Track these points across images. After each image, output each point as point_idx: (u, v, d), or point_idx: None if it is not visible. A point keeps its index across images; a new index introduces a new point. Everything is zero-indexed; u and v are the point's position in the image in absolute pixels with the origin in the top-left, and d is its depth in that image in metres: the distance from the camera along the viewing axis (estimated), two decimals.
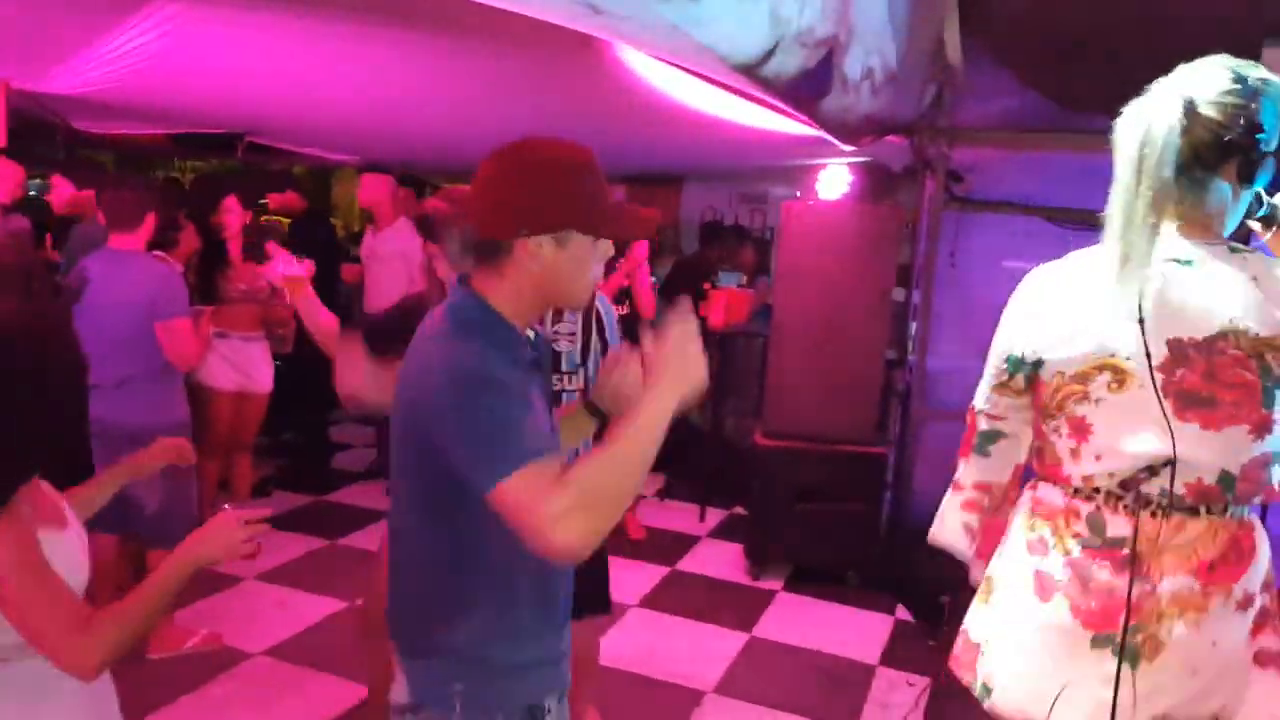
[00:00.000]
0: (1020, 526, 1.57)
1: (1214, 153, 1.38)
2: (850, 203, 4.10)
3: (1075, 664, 1.45)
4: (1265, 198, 1.51)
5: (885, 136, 3.42)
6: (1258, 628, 1.45)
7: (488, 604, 1.36)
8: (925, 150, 3.61)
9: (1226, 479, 1.39)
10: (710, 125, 3.59)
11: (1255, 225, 1.54)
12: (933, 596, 3.89)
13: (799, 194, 5.09)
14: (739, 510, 5.00)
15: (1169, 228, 1.41)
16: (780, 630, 3.74)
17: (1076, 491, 1.48)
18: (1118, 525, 1.43)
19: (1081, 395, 1.45)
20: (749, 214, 6.66)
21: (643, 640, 3.57)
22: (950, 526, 1.76)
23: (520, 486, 1.17)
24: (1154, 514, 1.41)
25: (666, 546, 4.57)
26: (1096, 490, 1.45)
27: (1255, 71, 1.39)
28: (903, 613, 3.96)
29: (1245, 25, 2.99)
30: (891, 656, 3.58)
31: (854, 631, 3.77)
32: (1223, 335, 1.35)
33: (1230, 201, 1.43)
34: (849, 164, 4.18)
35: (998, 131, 3.63)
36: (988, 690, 1.55)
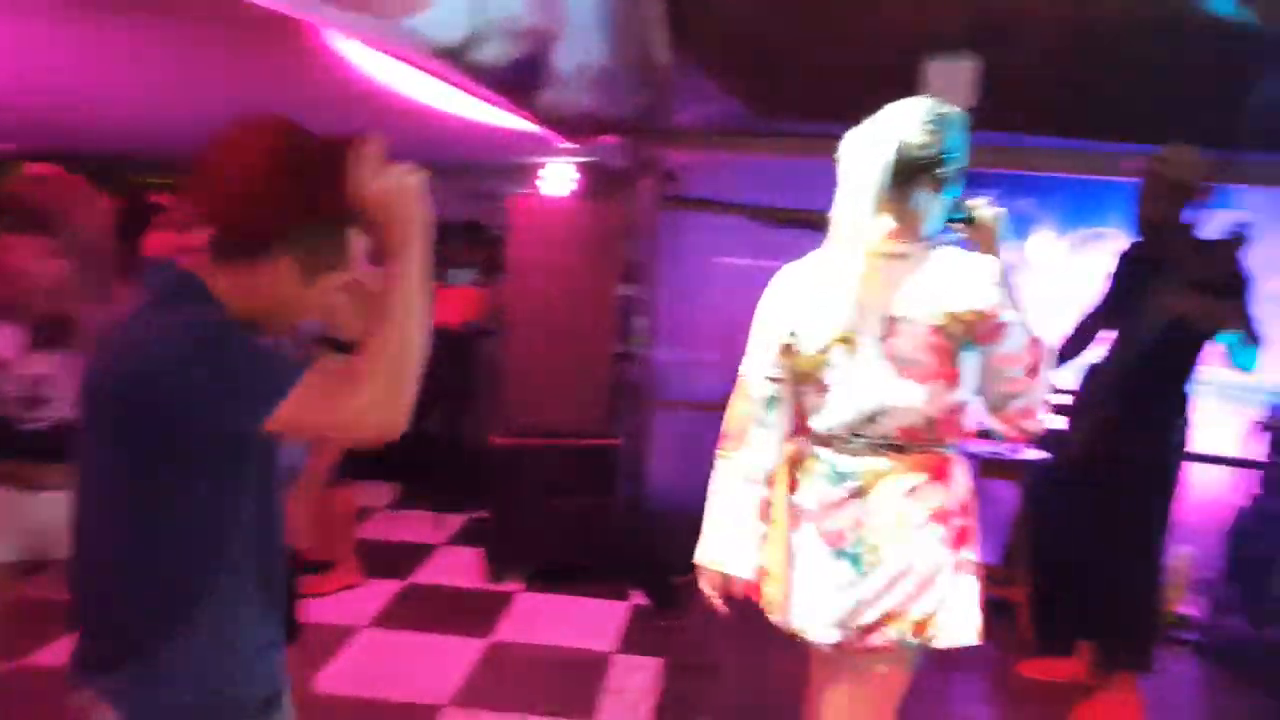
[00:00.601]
0: (783, 475, 1.92)
1: (915, 170, 1.75)
2: (575, 200, 4.17)
3: (822, 576, 1.82)
4: (964, 204, 1.87)
5: (604, 135, 3.50)
6: (957, 541, 1.80)
7: (203, 591, 1.24)
8: (641, 151, 3.74)
9: (928, 422, 1.77)
10: (432, 117, 3.48)
11: (957, 227, 1.89)
12: (668, 579, 4.04)
13: (527, 191, 5.08)
14: (480, 514, 4.91)
15: (885, 229, 1.78)
16: (520, 631, 3.71)
17: (819, 440, 1.86)
18: (849, 464, 1.81)
19: (824, 363, 1.81)
20: (487, 211, 6.55)
21: (372, 663, 3.39)
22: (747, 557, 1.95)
23: (304, 397, 1.14)
24: (874, 453, 1.79)
25: (401, 559, 4.39)
26: (834, 437, 1.83)
27: (942, 108, 1.78)
28: (640, 598, 4.06)
29: (912, 43, 3.38)
30: (628, 642, 3.66)
31: (592, 623, 3.82)
32: (925, 311, 1.72)
33: (930, 207, 1.80)
34: (576, 163, 4.24)
35: (709, 135, 3.83)
36: (771, 607, 1.92)
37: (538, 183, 4.05)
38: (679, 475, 4.46)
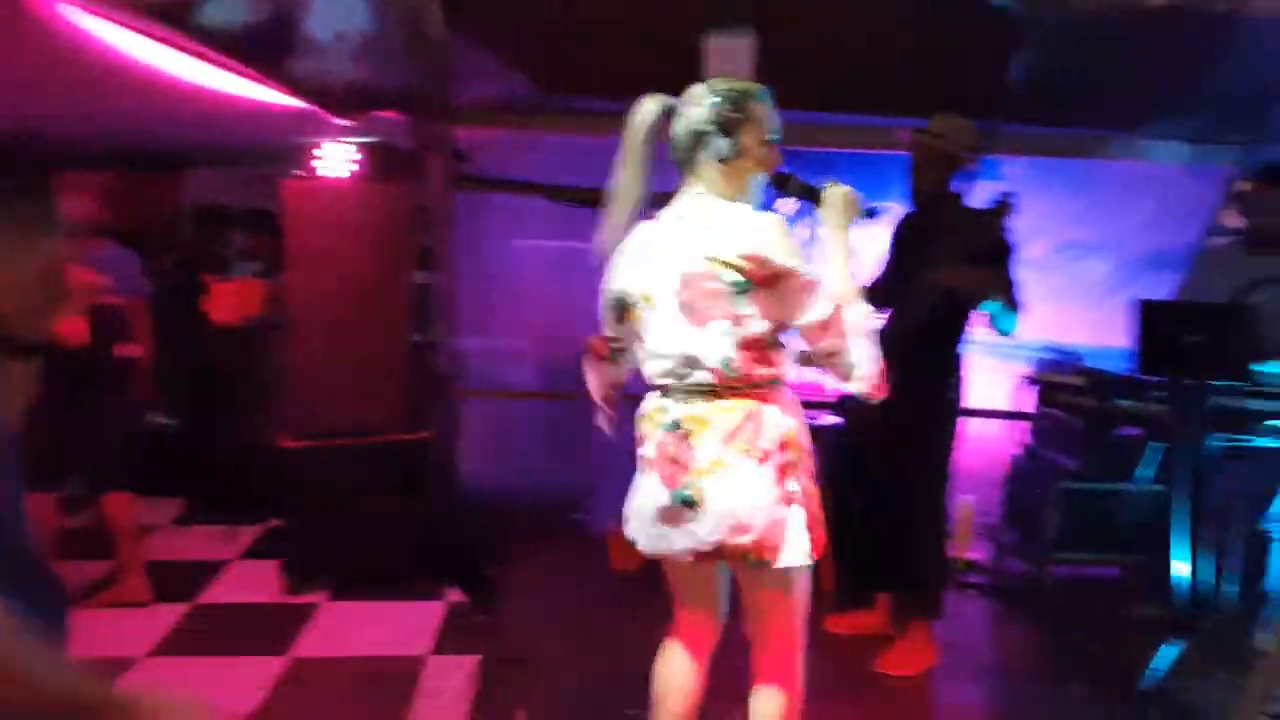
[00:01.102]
0: (641, 430, 2.09)
1: (699, 140, 1.92)
2: (360, 183, 3.92)
3: (665, 515, 1.98)
4: (805, 183, 2.04)
5: (380, 111, 3.31)
6: (782, 475, 1.92)
7: None
8: (426, 129, 3.56)
9: (729, 364, 1.91)
10: (199, 97, 3.16)
11: (784, 200, 2.07)
12: (483, 572, 3.92)
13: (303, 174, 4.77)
14: (278, 524, 4.59)
15: (682, 193, 1.98)
16: (325, 644, 3.48)
17: (652, 388, 2.03)
18: (675, 410, 1.96)
19: (640, 317, 2.00)
20: (276, 199, 6.11)
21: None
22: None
23: None
24: (694, 399, 1.94)
25: (188, 579, 4.02)
26: (666, 387, 1.99)
27: (735, 83, 1.96)
28: (456, 595, 3.93)
29: (698, 18, 3.39)
30: (444, 643, 3.51)
31: (404, 627, 3.64)
32: (703, 260, 1.87)
33: (719, 174, 1.95)
34: (357, 142, 3.99)
35: (499, 112, 3.71)
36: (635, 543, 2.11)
37: (315, 165, 3.77)
38: (492, 466, 4.35)
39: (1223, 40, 3.81)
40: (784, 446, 1.93)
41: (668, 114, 1.97)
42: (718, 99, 1.91)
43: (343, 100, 2.72)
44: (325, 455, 3.83)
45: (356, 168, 3.78)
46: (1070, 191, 4.79)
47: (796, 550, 1.94)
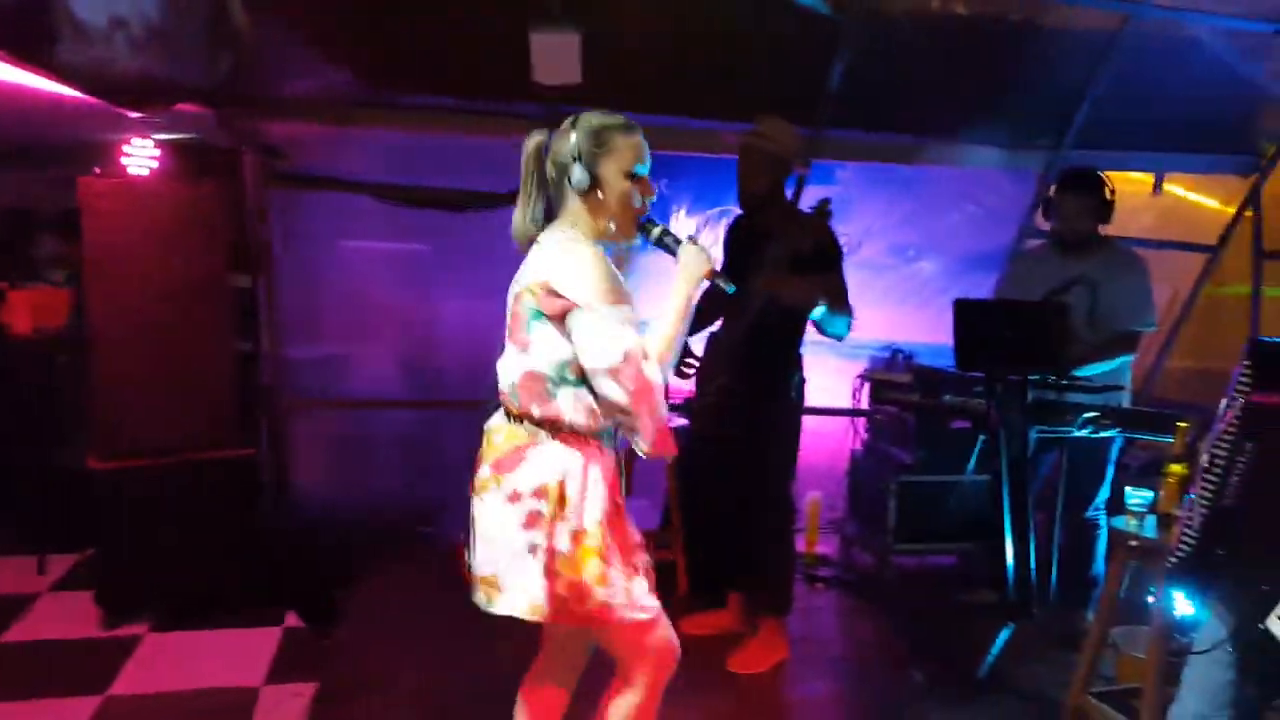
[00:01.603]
0: None
1: (565, 171, 1.92)
2: (167, 181, 3.62)
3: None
4: (669, 234, 2.02)
5: (178, 104, 3.07)
6: (529, 524, 1.85)
7: None
8: (237, 124, 3.33)
9: (513, 390, 1.92)
10: None
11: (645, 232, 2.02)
12: (323, 595, 3.71)
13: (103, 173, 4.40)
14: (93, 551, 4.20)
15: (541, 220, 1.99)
16: (147, 680, 3.20)
17: None
18: (491, 420, 2.00)
19: None
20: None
21: None
22: None
23: None
24: (500, 414, 1.97)
25: None
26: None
27: (598, 117, 1.93)
28: (294, 619, 3.70)
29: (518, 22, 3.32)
30: (280, 670, 3.30)
31: (237, 656, 3.39)
32: (523, 286, 1.89)
33: (583, 206, 1.94)
34: (163, 139, 3.69)
35: (318, 107, 3.50)
36: None
37: (121, 163, 3.46)
38: (328, 480, 4.14)
39: (1023, 49, 4.07)
40: (538, 494, 1.87)
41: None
42: (579, 131, 1.91)
43: (129, 91, 2.49)
44: (140, 476, 3.52)
45: (159, 165, 3.49)
46: (900, 196, 5.00)
47: (518, 600, 1.88)
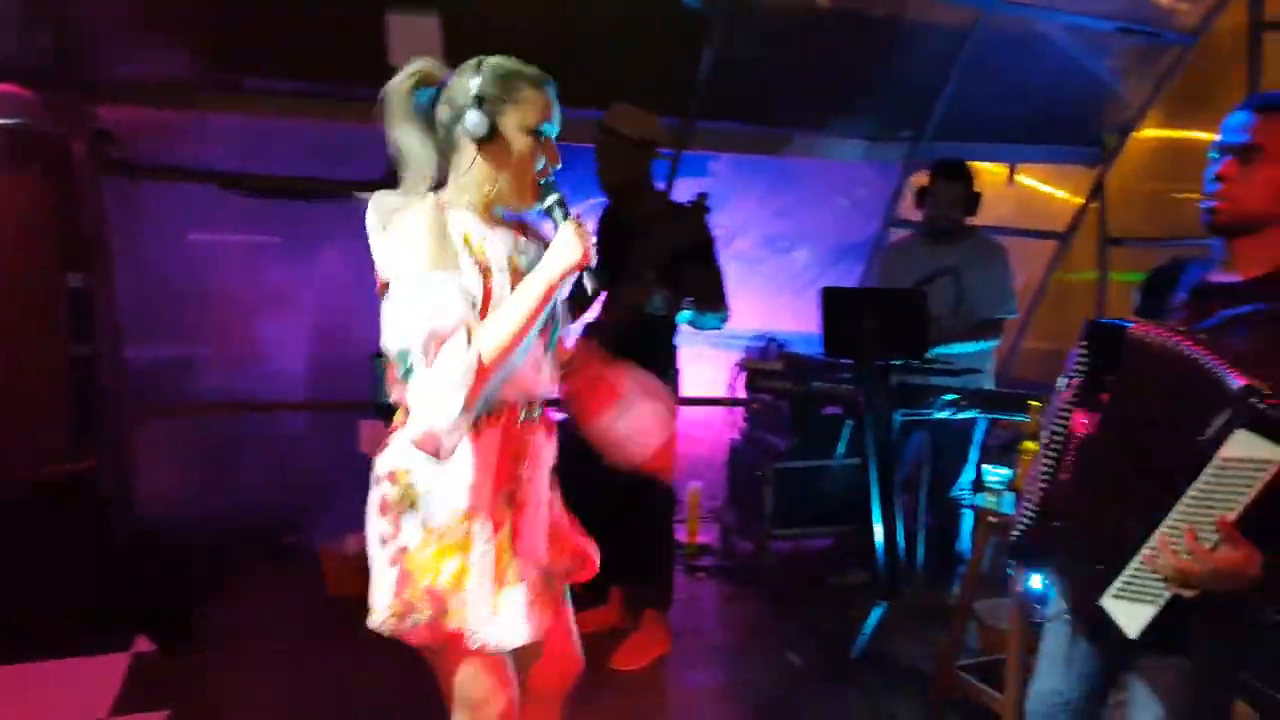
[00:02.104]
0: None
1: (460, 115, 1.68)
2: None
3: None
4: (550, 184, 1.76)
5: None
6: (381, 510, 1.70)
7: None
8: (61, 108, 3.06)
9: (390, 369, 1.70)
10: None
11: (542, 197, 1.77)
12: (176, 614, 3.48)
13: None
14: None
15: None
16: None
17: None
18: None
19: None
20: None
21: None
22: None
23: None
24: None
25: None
26: None
27: (506, 61, 1.72)
28: (144, 643, 3.44)
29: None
30: (126, 700, 3.06)
31: (78, 687, 3.12)
32: None
33: (479, 160, 1.72)
34: None
35: (149, 88, 3.25)
36: None
37: None
38: (180, 490, 3.87)
39: (884, 43, 4.18)
40: (391, 478, 1.69)
41: (429, 87, 1.72)
42: (485, 73, 1.69)
43: None
44: None
45: None
46: (773, 189, 5.07)
47: (379, 606, 1.68)
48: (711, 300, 3.13)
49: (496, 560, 1.69)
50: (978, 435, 3.78)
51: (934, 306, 3.75)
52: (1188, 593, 1.46)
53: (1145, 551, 1.50)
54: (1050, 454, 1.67)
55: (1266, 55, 4.17)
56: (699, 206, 3.12)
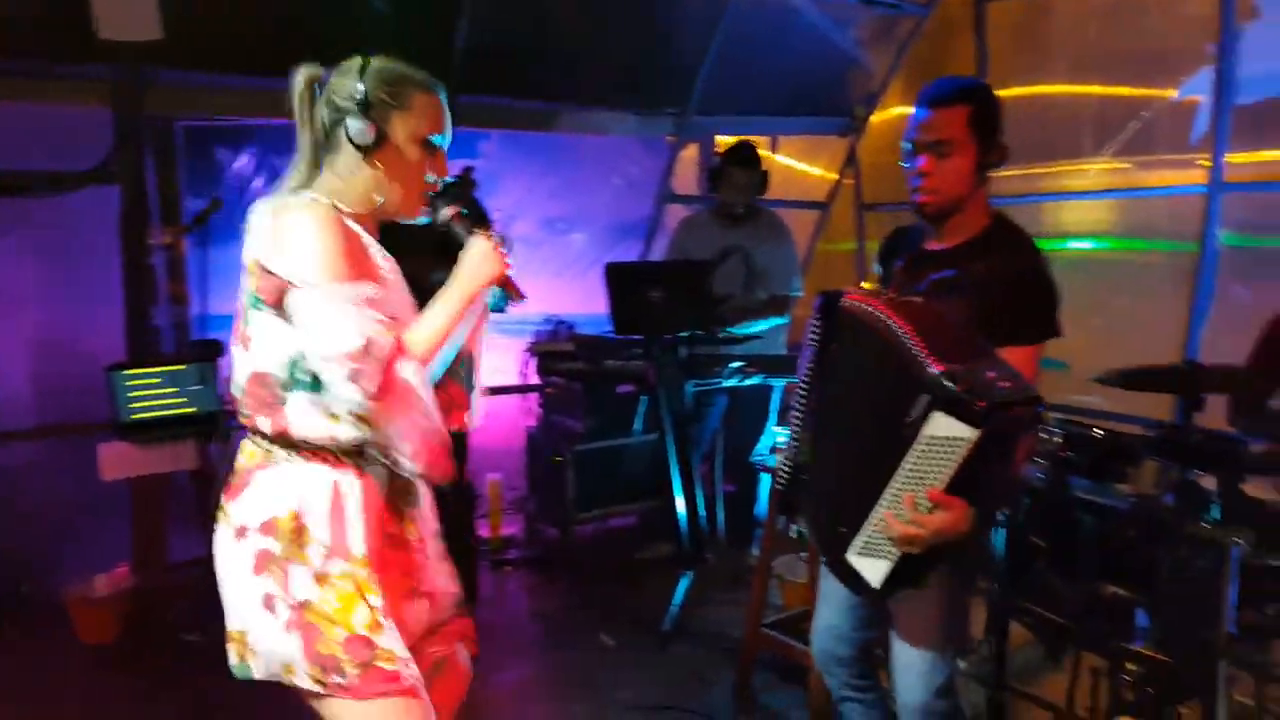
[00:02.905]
0: None
1: (341, 118, 1.56)
2: None
3: None
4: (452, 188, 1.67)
5: None
6: (259, 567, 1.49)
7: None
8: None
9: (242, 396, 1.54)
10: None
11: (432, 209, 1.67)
12: None
13: None
14: None
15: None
16: None
17: None
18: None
19: None
20: None
21: None
22: None
23: None
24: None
25: None
26: None
27: (393, 64, 1.59)
28: None
29: None
30: None
31: None
32: (243, 267, 1.52)
33: (361, 168, 1.58)
34: None
35: None
36: None
37: None
38: None
39: (642, 14, 4.19)
40: (266, 530, 1.50)
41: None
42: (371, 75, 1.56)
43: None
44: None
45: None
46: (546, 169, 5.00)
47: (272, 663, 1.51)
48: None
49: (393, 596, 1.58)
50: (775, 402, 3.91)
51: (726, 286, 3.85)
52: (916, 550, 1.60)
53: (877, 515, 1.63)
54: (797, 417, 1.81)
55: (991, 25, 4.56)
56: (464, 181, 3.00)
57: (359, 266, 1.50)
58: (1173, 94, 3.98)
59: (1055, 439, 2.11)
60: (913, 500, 1.56)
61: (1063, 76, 4.35)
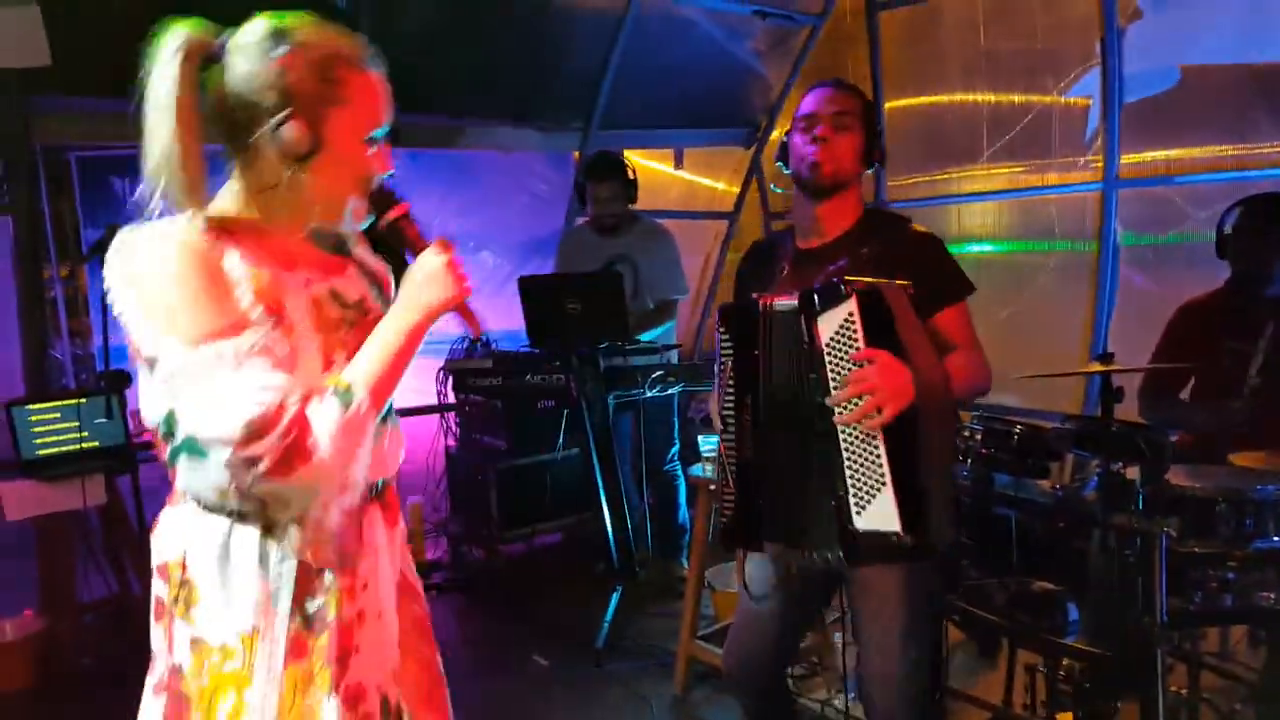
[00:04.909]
0: None
1: (257, 117, 1.21)
2: None
3: None
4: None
5: None
6: (157, 613, 1.26)
7: None
8: None
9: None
10: None
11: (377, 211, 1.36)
12: None
13: None
14: None
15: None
16: None
17: None
18: None
19: None
20: None
21: None
22: None
23: None
24: None
25: None
26: None
27: (318, 30, 1.24)
28: None
29: None
30: None
31: None
32: None
33: (249, 166, 1.25)
34: None
35: None
36: None
37: None
38: None
39: (541, 29, 4.17)
40: (160, 573, 1.26)
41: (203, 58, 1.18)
42: (289, 54, 1.18)
43: None
44: None
45: None
46: (452, 186, 4.92)
47: None
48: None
49: (287, 701, 1.23)
50: (676, 409, 3.94)
51: None
52: (885, 418, 1.54)
53: (846, 456, 1.59)
54: (729, 436, 1.77)
55: (883, 35, 4.70)
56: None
57: (223, 309, 1.14)
58: (1060, 99, 4.17)
59: (976, 436, 2.17)
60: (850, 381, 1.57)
61: (955, 83, 4.51)
